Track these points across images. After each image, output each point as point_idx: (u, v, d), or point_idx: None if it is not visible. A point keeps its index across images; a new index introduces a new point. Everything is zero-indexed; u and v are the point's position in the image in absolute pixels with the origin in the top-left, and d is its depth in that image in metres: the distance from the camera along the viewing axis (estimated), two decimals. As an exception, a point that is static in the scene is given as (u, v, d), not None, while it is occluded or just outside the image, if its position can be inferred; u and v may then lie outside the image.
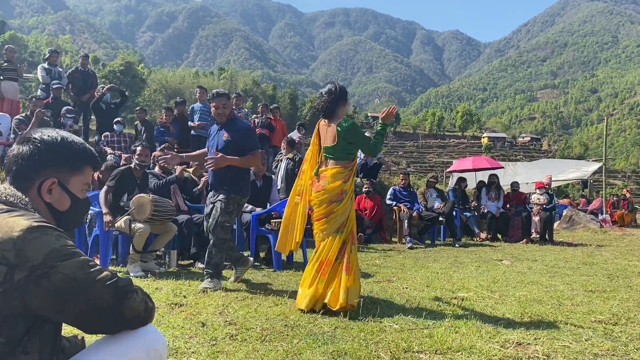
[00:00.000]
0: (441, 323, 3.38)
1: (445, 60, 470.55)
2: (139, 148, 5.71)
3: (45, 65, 10.04)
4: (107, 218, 5.11)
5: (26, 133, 1.49)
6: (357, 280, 3.81)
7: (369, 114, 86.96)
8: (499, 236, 10.23)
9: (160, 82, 49.85)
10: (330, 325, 3.26)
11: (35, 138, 1.45)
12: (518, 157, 69.15)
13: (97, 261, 5.28)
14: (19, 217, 1.28)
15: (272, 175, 7.24)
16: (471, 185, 12.36)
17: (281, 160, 8.44)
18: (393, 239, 9.36)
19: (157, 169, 6.34)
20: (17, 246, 1.23)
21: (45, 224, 1.29)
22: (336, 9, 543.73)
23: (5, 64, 9.67)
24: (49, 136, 1.46)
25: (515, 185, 11.06)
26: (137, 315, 1.35)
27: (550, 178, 11.28)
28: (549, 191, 10.77)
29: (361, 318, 3.45)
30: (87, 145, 1.53)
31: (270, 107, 11.54)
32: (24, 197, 1.40)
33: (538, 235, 9.92)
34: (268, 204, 6.47)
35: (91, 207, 5.41)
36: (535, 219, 10.00)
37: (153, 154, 6.70)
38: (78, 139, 1.52)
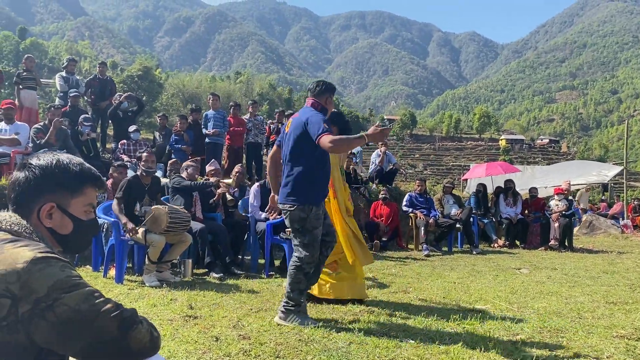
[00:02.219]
0: (458, 338, 3.32)
1: (462, 62, 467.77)
2: (144, 154, 5.68)
3: (63, 73, 10.17)
4: (129, 226, 5.12)
5: (24, 159, 1.48)
6: None
7: (384, 117, 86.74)
8: (517, 243, 10.10)
9: (177, 87, 50.38)
10: (345, 341, 3.22)
11: (31, 164, 1.44)
12: (536, 159, 68.42)
13: (114, 270, 5.33)
14: (23, 247, 1.27)
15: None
16: (490, 190, 12.22)
17: None
18: (409, 246, 9.28)
19: (184, 174, 6.38)
20: (21, 278, 1.21)
21: (50, 255, 1.27)
22: (352, 12, 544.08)
23: (25, 73, 9.81)
24: (44, 160, 1.44)
25: (533, 191, 10.90)
26: (143, 346, 1.33)
27: (569, 184, 11.10)
28: (568, 197, 10.60)
29: (376, 332, 3.41)
30: (86, 165, 1.51)
31: (286, 113, 11.53)
32: (27, 224, 1.39)
33: (557, 242, 9.76)
34: (283, 213, 6.44)
35: (105, 217, 5.46)
36: (555, 225, 9.85)
37: (184, 163, 6.74)
38: (76, 160, 1.49)
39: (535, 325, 3.74)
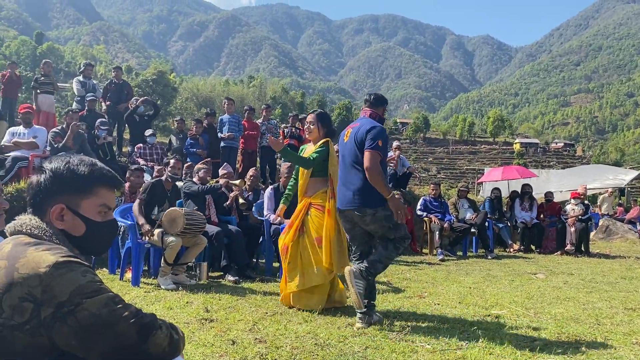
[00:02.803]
0: (475, 344, 3.30)
1: (475, 65, 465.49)
2: (172, 161, 5.80)
3: (80, 78, 10.29)
4: (145, 228, 5.17)
5: (41, 162, 1.51)
6: None
7: (397, 120, 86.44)
8: (533, 247, 10.01)
9: (191, 91, 50.76)
10: (361, 345, 3.21)
11: (43, 166, 1.46)
12: (551, 163, 67.80)
13: (130, 273, 5.38)
14: (45, 251, 1.29)
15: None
16: (505, 194, 12.13)
17: None
18: (424, 250, 9.24)
19: (196, 178, 6.43)
20: (43, 282, 1.23)
21: (72, 259, 1.29)
22: (365, 15, 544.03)
23: (42, 78, 9.95)
24: (56, 163, 1.46)
25: (549, 195, 10.80)
26: (163, 351, 1.35)
27: (586, 188, 10.98)
28: (585, 201, 10.48)
29: (392, 337, 3.40)
30: (98, 166, 1.50)
31: (300, 117, 11.55)
32: (47, 227, 1.41)
33: (573, 247, 9.65)
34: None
35: (122, 220, 5.51)
36: (571, 229, 9.75)
37: (196, 166, 6.79)
38: (87, 161, 1.49)
39: (553, 331, 3.71)
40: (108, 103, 10.20)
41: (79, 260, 1.32)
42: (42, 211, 1.44)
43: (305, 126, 4.55)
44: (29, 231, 1.38)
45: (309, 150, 4.54)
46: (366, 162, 3.68)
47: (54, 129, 7.69)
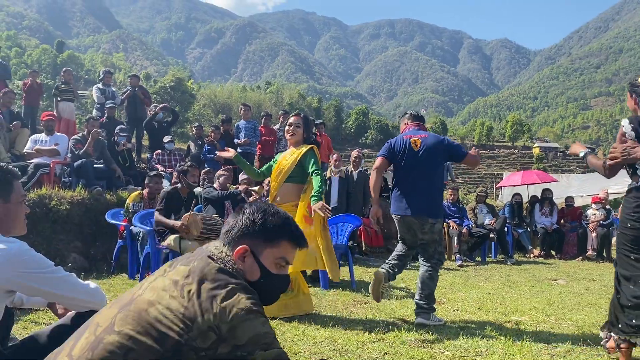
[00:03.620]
0: (494, 350, 3.26)
1: (493, 69, 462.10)
2: (189, 169, 5.85)
3: (100, 85, 10.44)
4: (178, 224, 5.16)
5: (240, 207, 1.67)
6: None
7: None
8: (553, 253, 9.88)
9: (209, 97, 51.22)
10: (380, 351, 3.20)
11: (244, 209, 1.60)
12: (571, 167, 66.91)
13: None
14: (242, 293, 1.39)
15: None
16: (524, 199, 12.00)
17: (330, 178, 8.24)
18: (442, 256, 9.16)
19: (216, 184, 6.49)
20: (232, 322, 1.33)
21: (260, 309, 1.40)
22: (381, 20, 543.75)
23: (63, 86, 10.11)
24: (254, 207, 1.59)
25: (569, 200, 10.66)
26: None
27: (607, 192, 10.80)
28: (606, 206, 10.32)
29: (411, 343, 3.38)
30: (290, 221, 1.61)
31: (316, 122, 11.57)
32: (234, 264, 1.50)
33: (595, 253, 9.50)
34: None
35: (141, 225, 5.57)
36: (592, 235, 9.59)
37: (217, 172, 6.86)
38: (282, 214, 1.60)
39: (575, 337, 3.65)
40: (129, 108, 10.32)
41: (262, 311, 1.42)
42: (231, 246, 1.54)
43: (289, 127, 4.49)
44: (220, 263, 1.48)
45: (287, 156, 4.42)
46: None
47: (74, 136, 7.80)
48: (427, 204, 4.03)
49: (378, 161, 4.24)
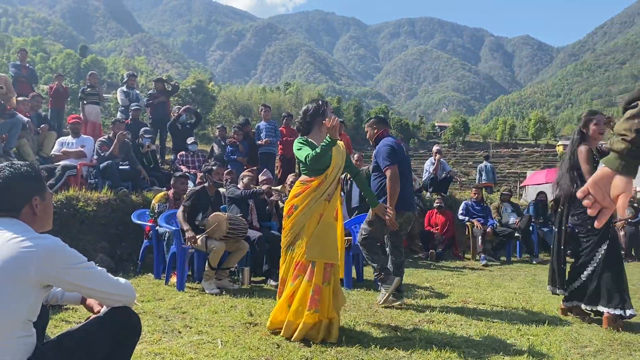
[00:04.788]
0: (523, 350, 3.23)
1: (515, 66, 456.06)
2: (215, 167, 5.92)
3: (124, 88, 10.59)
4: (190, 234, 5.28)
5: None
6: (301, 316, 3.35)
7: (435, 124, 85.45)
8: (580, 252, 9.71)
9: (229, 99, 51.45)
10: (406, 350, 3.19)
11: None
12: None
13: (175, 278, 5.48)
14: None
15: (342, 192, 7.24)
16: (549, 198, 11.82)
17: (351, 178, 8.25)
18: (466, 256, 9.09)
19: (240, 185, 6.55)
20: None
21: None
22: (401, 19, 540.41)
23: (89, 89, 10.28)
24: None
25: (596, 198, 10.46)
26: None
27: (635, 190, 10.58)
28: (634, 204, 10.12)
29: (437, 343, 3.36)
30: None
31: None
32: None
33: (623, 252, 9.31)
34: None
35: (167, 226, 5.63)
36: (620, 234, 9.41)
37: (242, 173, 6.93)
38: None
39: (604, 337, 3.59)
40: (153, 111, 10.45)
41: None
42: None
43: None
44: None
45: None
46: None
47: (100, 138, 7.93)
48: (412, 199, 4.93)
49: (394, 170, 4.58)
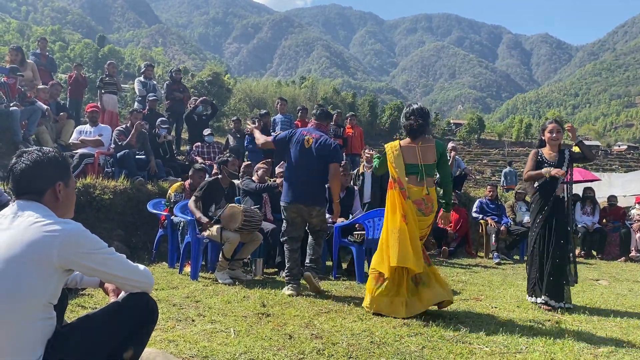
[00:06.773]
0: (535, 348, 3.22)
1: (533, 64, 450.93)
2: (230, 159, 5.96)
3: (142, 78, 10.66)
4: (203, 220, 5.34)
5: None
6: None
7: (451, 121, 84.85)
8: (594, 253, 9.63)
9: (244, 92, 51.53)
10: (418, 345, 3.20)
11: None
12: (613, 166, 64.85)
13: (189, 267, 5.54)
14: None
15: (355, 187, 7.24)
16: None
17: (363, 173, 8.21)
18: (479, 254, 9.06)
19: (255, 177, 6.59)
20: None
21: None
22: (418, 15, 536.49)
23: (107, 78, 10.37)
24: None
25: (612, 199, 10.37)
26: None
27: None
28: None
29: (449, 338, 3.36)
30: None
31: (347, 115, 11.80)
32: None
33: (638, 254, 9.22)
34: (350, 215, 6.48)
35: (182, 215, 5.69)
36: (636, 236, 9.32)
37: (256, 165, 6.97)
38: None
39: (618, 338, 3.57)
40: (170, 102, 10.53)
41: None
42: None
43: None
44: None
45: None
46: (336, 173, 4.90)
47: (118, 128, 8.01)
48: (318, 193, 5.00)
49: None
